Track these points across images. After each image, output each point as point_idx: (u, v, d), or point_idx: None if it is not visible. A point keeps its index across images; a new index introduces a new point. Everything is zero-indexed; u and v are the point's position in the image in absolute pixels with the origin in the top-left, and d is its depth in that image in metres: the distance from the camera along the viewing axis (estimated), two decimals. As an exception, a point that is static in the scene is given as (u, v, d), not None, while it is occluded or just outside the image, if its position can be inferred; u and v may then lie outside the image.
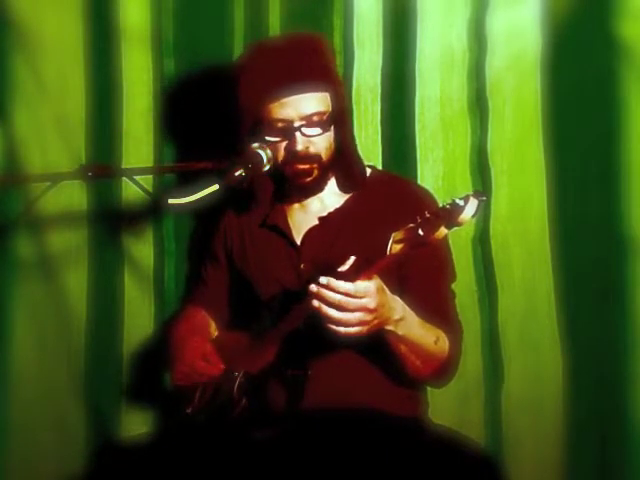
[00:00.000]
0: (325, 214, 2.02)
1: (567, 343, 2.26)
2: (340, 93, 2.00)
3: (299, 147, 1.93)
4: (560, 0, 2.21)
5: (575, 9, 2.20)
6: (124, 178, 2.24)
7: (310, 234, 2.02)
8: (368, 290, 1.66)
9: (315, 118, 1.94)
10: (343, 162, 2.01)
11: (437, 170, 2.29)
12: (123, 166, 2.39)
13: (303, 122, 1.93)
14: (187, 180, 1.89)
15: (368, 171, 2.08)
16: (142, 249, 2.44)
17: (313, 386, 1.89)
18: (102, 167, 2.06)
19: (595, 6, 2.19)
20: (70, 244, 2.43)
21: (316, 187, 2.02)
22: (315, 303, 1.66)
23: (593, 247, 2.23)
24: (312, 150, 1.94)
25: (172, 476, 1.79)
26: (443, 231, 1.51)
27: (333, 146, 1.98)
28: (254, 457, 1.81)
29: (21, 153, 2.41)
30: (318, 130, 1.94)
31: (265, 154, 1.91)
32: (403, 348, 1.82)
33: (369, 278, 1.66)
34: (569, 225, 2.24)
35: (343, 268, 1.68)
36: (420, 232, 1.53)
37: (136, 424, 2.40)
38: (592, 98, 2.21)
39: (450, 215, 1.49)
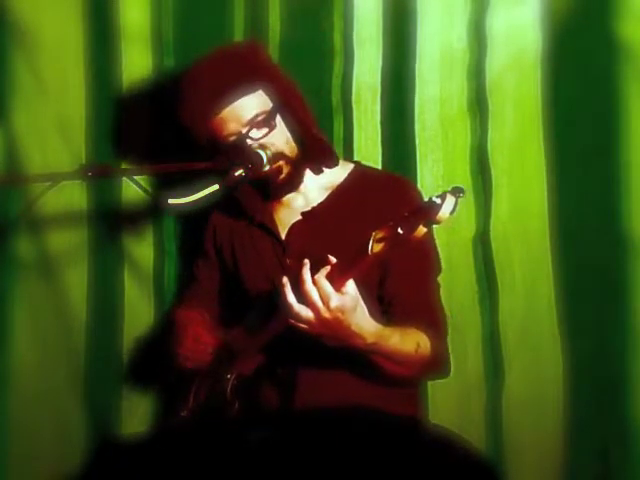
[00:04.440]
0: (308, 209, 2.02)
1: (567, 343, 2.26)
2: (277, 85, 1.95)
3: None
4: (560, 0, 2.21)
5: (575, 9, 2.20)
6: (124, 178, 2.24)
7: (294, 229, 2.02)
8: (343, 307, 1.67)
9: (259, 119, 1.92)
10: (309, 146, 1.98)
11: (437, 170, 2.29)
12: (123, 166, 2.39)
13: (248, 127, 1.91)
14: (187, 180, 1.89)
15: (351, 166, 2.08)
16: (142, 249, 2.44)
17: (308, 385, 1.90)
18: (102, 167, 2.06)
19: (595, 6, 2.19)
20: (70, 244, 2.43)
21: (293, 182, 2.00)
22: (287, 288, 1.69)
23: (593, 247, 2.23)
24: (271, 150, 1.92)
25: (171, 475, 1.79)
26: (422, 229, 1.51)
27: (292, 137, 1.96)
28: (249, 458, 1.81)
29: (21, 153, 2.41)
30: (265, 130, 1.93)
31: (265, 154, 1.91)
32: (378, 359, 1.83)
33: (352, 279, 1.67)
34: (569, 225, 2.24)
35: (326, 269, 1.67)
36: (400, 230, 1.53)
37: (136, 423, 2.40)
38: (592, 98, 2.21)
39: (427, 213, 1.49)
